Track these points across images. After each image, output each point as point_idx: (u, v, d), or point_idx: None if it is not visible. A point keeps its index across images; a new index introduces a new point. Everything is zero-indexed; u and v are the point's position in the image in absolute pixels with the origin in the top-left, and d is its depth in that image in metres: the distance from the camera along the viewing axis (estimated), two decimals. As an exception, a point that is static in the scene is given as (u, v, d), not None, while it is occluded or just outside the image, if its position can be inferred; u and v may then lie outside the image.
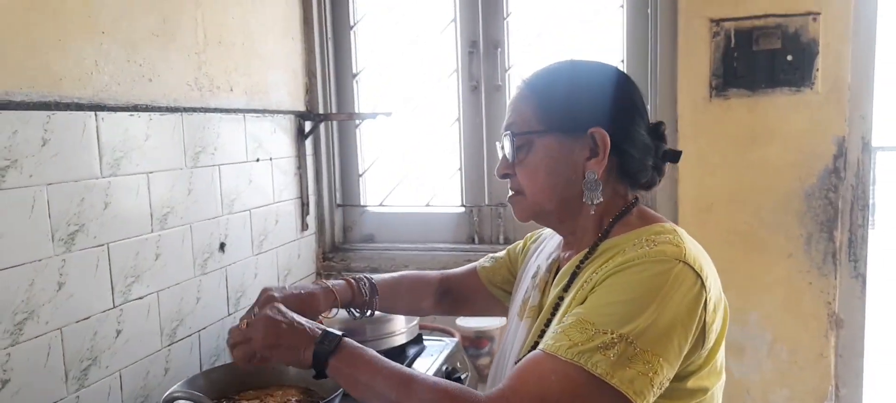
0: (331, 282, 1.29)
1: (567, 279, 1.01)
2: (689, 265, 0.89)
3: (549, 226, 1.14)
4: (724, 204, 1.83)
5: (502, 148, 1.06)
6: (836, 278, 1.80)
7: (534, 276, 1.16)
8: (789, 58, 1.75)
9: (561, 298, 1.01)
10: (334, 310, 1.29)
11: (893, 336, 4.28)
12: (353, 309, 1.32)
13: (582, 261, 1.01)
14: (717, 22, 1.78)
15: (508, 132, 1.03)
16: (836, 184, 1.77)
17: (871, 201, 1.80)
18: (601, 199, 1.00)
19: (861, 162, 1.78)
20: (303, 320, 1.06)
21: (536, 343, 0.97)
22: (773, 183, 1.80)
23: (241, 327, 1.09)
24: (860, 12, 1.72)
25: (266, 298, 1.14)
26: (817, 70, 1.74)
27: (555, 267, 1.12)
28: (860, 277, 1.82)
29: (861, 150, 1.77)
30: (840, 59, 1.72)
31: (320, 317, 1.61)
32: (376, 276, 1.36)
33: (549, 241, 1.22)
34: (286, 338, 1.03)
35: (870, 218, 1.81)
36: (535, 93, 1.04)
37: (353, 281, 1.31)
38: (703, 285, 0.89)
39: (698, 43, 1.79)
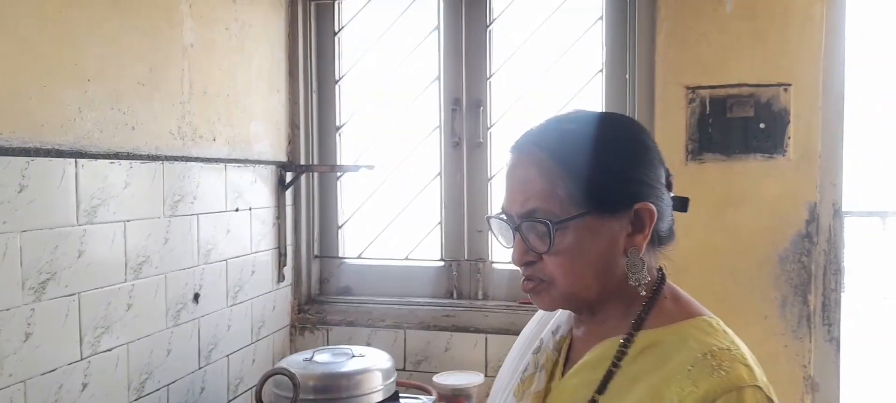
0: None
1: (598, 375, 0.87)
2: (763, 391, 0.80)
3: (573, 311, 0.97)
4: (700, 266, 1.85)
5: (517, 232, 0.89)
6: (810, 341, 1.82)
7: (536, 351, 0.99)
8: (762, 125, 1.81)
9: (594, 401, 0.87)
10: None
11: (866, 399, 4.31)
12: None
13: (617, 358, 0.87)
14: (693, 89, 1.84)
15: (534, 220, 0.86)
16: (808, 249, 1.81)
17: (841, 265, 1.84)
18: (649, 278, 0.88)
19: (832, 227, 1.82)
20: None
21: None
22: (747, 246, 1.83)
23: None
24: (829, 84, 1.79)
25: None
26: (789, 138, 1.79)
27: (564, 347, 0.97)
28: (834, 340, 1.84)
29: (832, 216, 1.82)
30: (810, 128, 1.79)
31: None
32: None
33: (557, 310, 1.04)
34: None
35: (842, 282, 1.85)
36: (562, 165, 0.86)
37: None
38: None
39: (675, 108, 1.84)
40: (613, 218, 0.86)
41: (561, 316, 1.02)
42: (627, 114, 1.00)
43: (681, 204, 0.94)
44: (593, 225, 0.85)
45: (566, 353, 0.97)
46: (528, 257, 0.89)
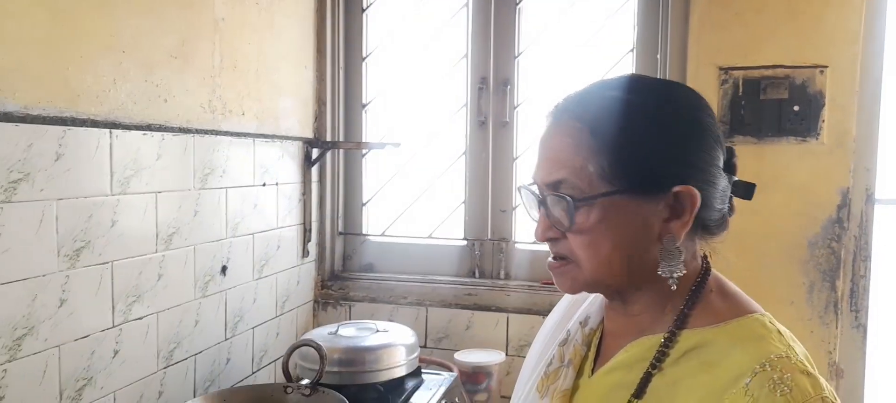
0: None
1: (635, 377, 0.79)
2: (830, 400, 0.71)
3: (603, 296, 0.89)
4: (728, 250, 1.83)
5: (542, 206, 0.82)
6: (837, 327, 1.80)
7: (563, 343, 0.92)
8: (796, 108, 1.77)
9: None
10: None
11: (892, 386, 4.26)
12: None
13: (657, 359, 0.78)
14: (726, 70, 1.81)
15: (559, 193, 0.78)
16: (839, 235, 1.78)
17: (871, 252, 1.81)
18: (684, 271, 0.78)
19: (864, 213, 1.79)
20: None
21: None
22: (777, 230, 1.81)
23: None
24: (866, 67, 1.75)
25: None
26: (823, 121, 1.76)
27: (594, 341, 0.90)
28: (861, 327, 1.82)
29: (865, 202, 1.79)
30: (846, 112, 1.75)
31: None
32: None
33: (586, 297, 0.97)
34: None
35: (870, 269, 1.82)
36: (596, 136, 0.77)
37: None
38: None
39: (707, 89, 1.81)
40: (649, 200, 0.77)
41: (591, 305, 0.94)
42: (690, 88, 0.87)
43: (745, 190, 0.83)
44: (624, 205, 0.76)
45: (596, 348, 0.89)
46: (550, 233, 0.81)
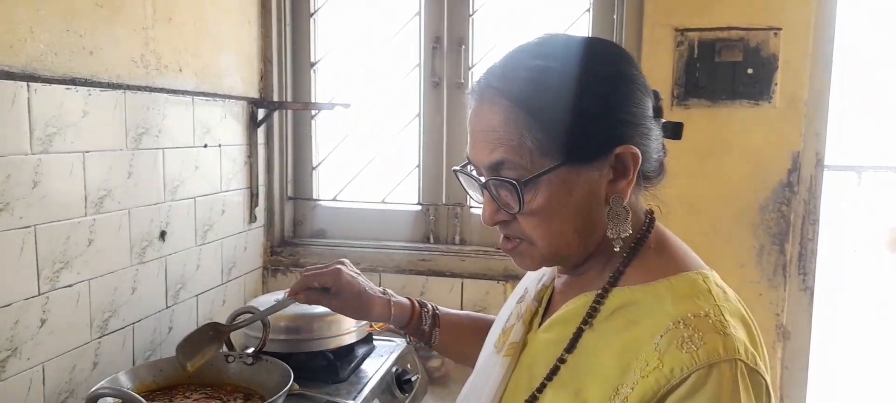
0: (394, 296, 1.13)
1: (568, 334, 0.80)
2: (742, 363, 0.70)
3: (560, 266, 0.89)
4: (682, 214, 1.82)
5: (485, 189, 0.79)
6: (785, 290, 1.82)
7: (519, 300, 0.94)
8: (749, 71, 1.77)
9: (562, 360, 0.79)
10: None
11: (835, 349, 4.44)
12: (408, 336, 1.14)
13: (588, 315, 0.79)
14: (682, 31, 1.78)
15: (502, 177, 0.76)
16: (789, 198, 1.79)
17: (819, 216, 1.83)
18: (630, 231, 0.78)
19: (814, 177, 1.81)
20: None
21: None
22: (729, 194, 1.81)
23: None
24: (819, 29, 1.75)
25: (337, 261, 1.12)
26: (776, 85, 1.76)
27: (545, 297, 0.91)
28: (808, 290, 1.85)
29: (814, 166, 1.80)
30: (798, 75, 1.75)
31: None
32: (442, 309, 1.15)
33: None
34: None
35: (818, 233, 1.84)
36: (528, 112, 0.74)
37: (416, 304, 1.13)
38: (766, 388, 0.72)
39: (662, 51, 1.79)
40: (592, 167, 0.76)
41: None
42: (606, 39, 0.86)
43: (673, 130, 0.82)
44: (568, 176, 0.75)
45: (546, 303, 0.90)
46: (500, 216, 0.80)
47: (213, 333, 1.19)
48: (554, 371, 0.80)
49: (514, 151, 0.75)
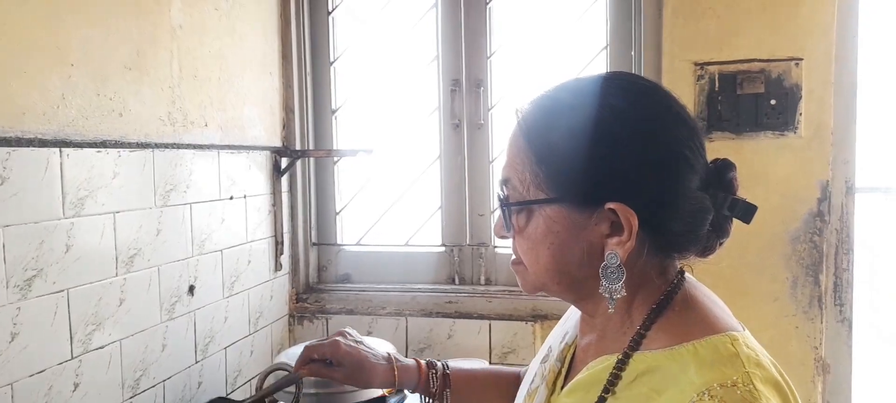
0: (400, 360, 1.12)
1: (591, 400, 0.75)
2: None
3: (555, 297, 0.86)
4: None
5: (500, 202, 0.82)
6: (822, 322, 1.78)
7: (544, 360, 0.91)
8: (773, 102, 1.75)
9: None
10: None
11: (876, 381, 4.30)
12: (423, 397, 1.12)
13: (610, 383, 0.73)
14: (701, 65, 1.78)
15: (501, 194, 0.80)
16: (820, 228, 1.76)
17: (853, 244, 1.80)
18: (624, 293, 0.73)
19: (845, 205, 1.78)
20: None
21: None
22: (757, 226, 1.75)
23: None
24: (841, 58, 1.74)
25: (337, 333, 1.15)
26: (801, 114, 1.74)
27: (567, 356, 0.87)
28: (846, 321, 1.80)
29: (845, 194, 1.77)
30: (823, 104, 1.73)
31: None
32: (453, 367, 1.13)
33: (573, 311, 0.94)
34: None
35: (853, 262, 1.80)
36: (531, 143, 0.76)
37: (423, 365, 1.12)
38: None
39: (683, 85, 1.78)
40: (584, 214, 0.73)
41: (570, 318, 0.92)
42: (654, 82, 0.83)
43: (744, 211, 0.76)
44: (560, 215, 0.74)
45: (569, 363, 0.86)
46: (501, 231, 0.82)
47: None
48: None
49: (517, 176, 0.77)
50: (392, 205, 2.16)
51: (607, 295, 0.73)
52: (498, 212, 0.83)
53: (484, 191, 2.07)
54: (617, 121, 0.73)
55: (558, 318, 1.87)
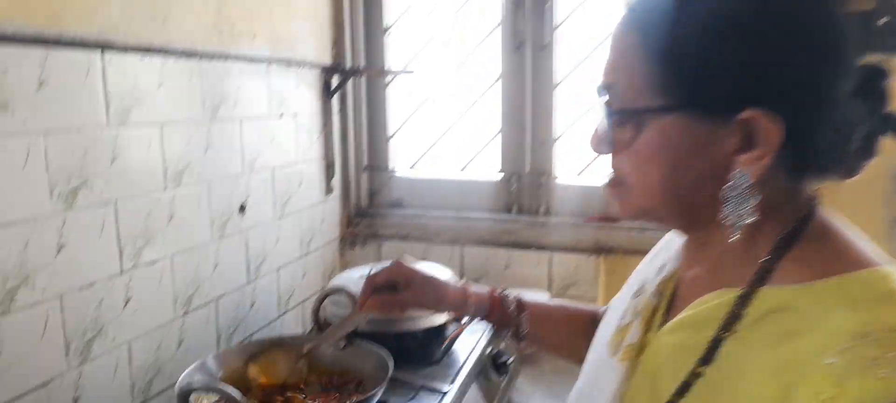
0: (472, 287, 1.04)
1: (703, 341, 0.63)
2: None
3: (660, 223, 0.75)
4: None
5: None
6: (921, 268, 1.61)
7: (636, 294, 0.80)
8: (884, 20, 1.54)
9: (697, 374, 0.63)
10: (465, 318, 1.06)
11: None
12: (494, 327, 1.06)
13: (730, 320, 0.62)
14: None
15: (606, 101, 0.67)
16: (929, 163, 1.57)
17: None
18: (754, 217, 0.62)
19: (961, 138, 1.57)
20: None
21: None
22: (855, 159, 1.60)
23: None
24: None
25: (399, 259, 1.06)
26: (918, 31, 1.52)
27: (668, 291, 0.76)
28: (949, 268, 1.62)
29: (962, 125, 1.56)
30: (946, 20, 1.51)
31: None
32: (526, 297, 1.05)
33: (669, 237, 0.84)
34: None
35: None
36: (646, 37, 0.63)
37: (496, 294, 1.04)
38: None
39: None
40: (711, 124, 0.61)
41: (668, 246, 0.81)
42: None
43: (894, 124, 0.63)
44: (678, 125, 0.62)
45: (670, 298, 0.75)
46: (601, 146, 0.70)
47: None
48: (686, 385, 0.64)
49: (625, 78, 0.65)
50: (448, 130, 2.04)
51: (732, 222, 0.62)
52: (600, 124, 0.69)
53: (547, 118, 1.93)
54: (759, 6, 0.60)
55: (625, 252, 1.78)
